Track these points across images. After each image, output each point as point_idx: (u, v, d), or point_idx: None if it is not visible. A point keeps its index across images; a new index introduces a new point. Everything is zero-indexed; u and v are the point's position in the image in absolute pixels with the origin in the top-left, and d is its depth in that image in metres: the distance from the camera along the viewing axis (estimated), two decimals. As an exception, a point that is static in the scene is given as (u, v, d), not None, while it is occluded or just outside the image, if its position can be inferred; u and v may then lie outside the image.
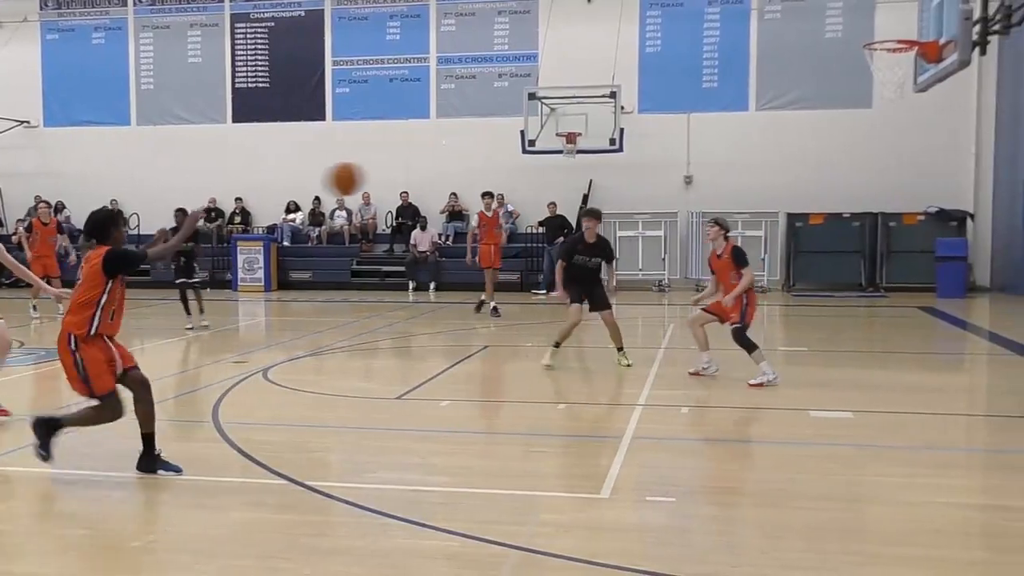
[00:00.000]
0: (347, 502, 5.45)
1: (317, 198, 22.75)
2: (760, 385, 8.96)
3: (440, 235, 21.64)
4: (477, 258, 16.02)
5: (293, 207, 22.85)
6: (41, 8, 24.13)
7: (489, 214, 16.39)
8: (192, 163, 23.09)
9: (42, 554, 4.81)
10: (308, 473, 6.06)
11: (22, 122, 23.91)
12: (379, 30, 22.69)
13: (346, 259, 21.97)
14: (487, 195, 16.55)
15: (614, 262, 10.97)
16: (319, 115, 22.97)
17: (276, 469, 6.12)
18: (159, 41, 23.68)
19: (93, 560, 4.71)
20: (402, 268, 21.25)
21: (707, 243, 10.76)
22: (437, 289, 20.81)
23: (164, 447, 6.08)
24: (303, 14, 23.01)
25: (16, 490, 5.96)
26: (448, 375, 10.23)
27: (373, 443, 7.17)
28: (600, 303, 10.37)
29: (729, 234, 9.82)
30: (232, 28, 23.34)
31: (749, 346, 9.16)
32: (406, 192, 22.11)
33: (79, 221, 23.15)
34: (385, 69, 22.71)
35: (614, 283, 10.84)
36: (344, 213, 22.59)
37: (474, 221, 17.75)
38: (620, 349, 10.40)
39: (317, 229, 22.60)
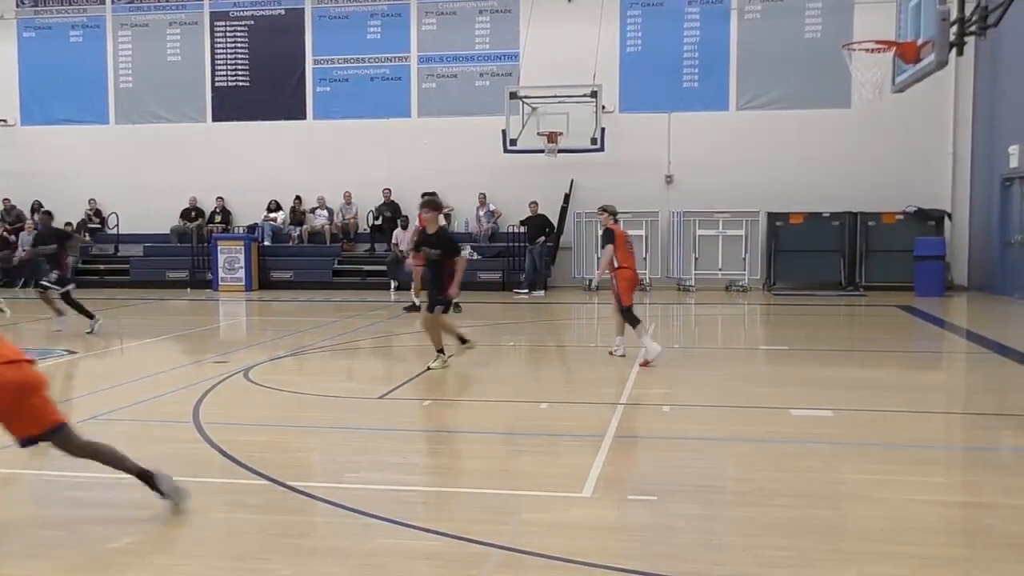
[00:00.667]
0: (329, 502, 5.43)
1: (298, 197, 22.67)
2: (645, 364, 10.16)
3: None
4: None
5: (274, 206, 22.76)
6: (17, 5, 23.90)
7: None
8: (172, 162, 22.96)
9: (18, 556, 4.76)
10: (290, 473, 6.04)
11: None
12: (360, 29, 22.63)
13: (327, 258, 21.90)
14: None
15: (461, 258, 10.11)
16: (300, 114, 22.88)
17: (258, 469, 6.09)
18: (137, 39, 23.51)
19: (70, 562, 4.66)
20: (384, 267, 21.19)
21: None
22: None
23: (145, 448, 6.03)
24: (283, 12, 22.90)
25: (-7, 492, 5.90)
26: (430, 374, 10.21)
27: (355, 443, 7.14)
28: (429, 301, 10.13)
29: (617, 217, 10.94)
30: (212, 26, 23.20)
31: (632, 321, 10.53)
32: (388, 190, 22.07)
33: (58, 221, 22.96)
34: (366, 68, 22.64)
35: (455, 289, 9.88)
36: (325, 212, 22.52)
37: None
38: (439, 351, 10.11)
39: (298, 228, 22.52)
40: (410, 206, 21.78)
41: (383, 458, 6.60)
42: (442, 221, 11.92)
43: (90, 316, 13.30)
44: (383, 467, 6.34)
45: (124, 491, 5.89)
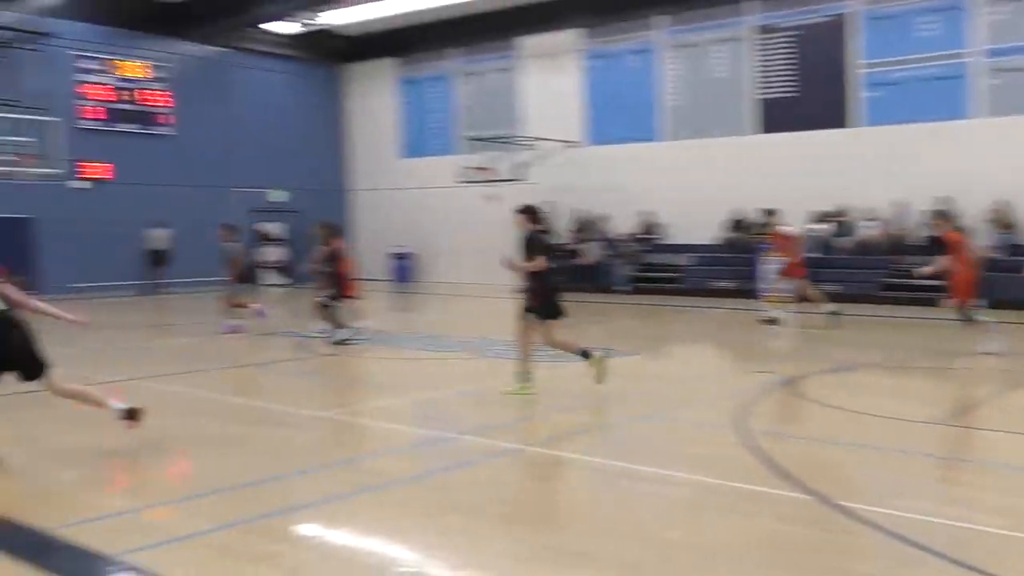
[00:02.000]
0: (873, 525, 5.10)
1: (845, 208, 21.82)
2: None
3: (991, 247, 19.25)
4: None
5: (820, 217, 22.15)
6: (585, 38, 26.40)
7: None
8: (717, 175, 23.54)
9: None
10: (836, 490, 5.77)
11: (570, 142, 26.33)
12: (910, 27, 21.08)
13: (875, 271, 20.70)
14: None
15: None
16: (847, 121, 22.00)
17: (802, 482, 5.91)
18: (685, 59, 24.56)
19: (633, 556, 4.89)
20: (931, 283, 19.32)
21: None
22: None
23: (683, 448, 6.12)
24: (828, 19, 22.22)
25: (554, 472, 6.44)
26: (1000, 402, 9.06)
27: (907, 468, 6.59)
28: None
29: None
30: (757, 40, 23.34)
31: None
32: (944, 198, 20.21)
33: (612, 232, 24.96)
34: (918, 68, 21.01)
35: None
36: (874, 223, 21.35)
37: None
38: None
39: (845, 239, 21.64)
40: (970, 213, 19.73)
41: (941, 489, 6.00)
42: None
43: None
44: (941, 499, 5.77)
45: (671, 487, 6.06)
